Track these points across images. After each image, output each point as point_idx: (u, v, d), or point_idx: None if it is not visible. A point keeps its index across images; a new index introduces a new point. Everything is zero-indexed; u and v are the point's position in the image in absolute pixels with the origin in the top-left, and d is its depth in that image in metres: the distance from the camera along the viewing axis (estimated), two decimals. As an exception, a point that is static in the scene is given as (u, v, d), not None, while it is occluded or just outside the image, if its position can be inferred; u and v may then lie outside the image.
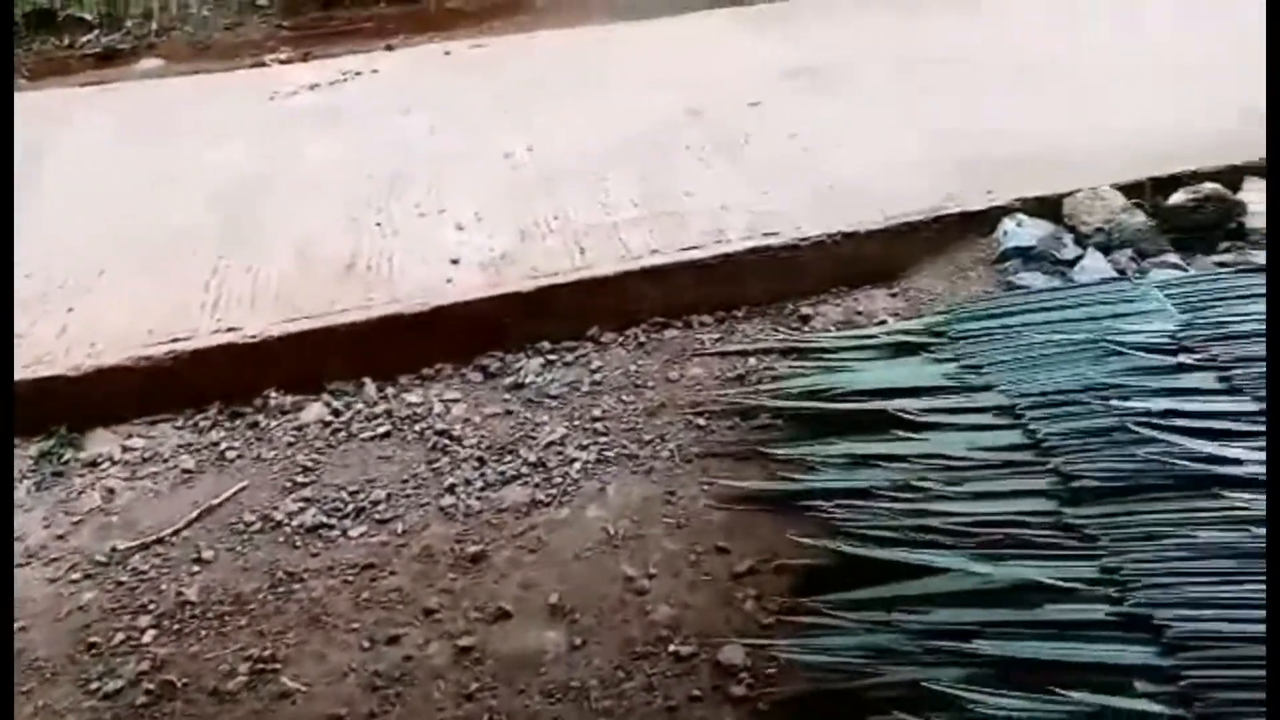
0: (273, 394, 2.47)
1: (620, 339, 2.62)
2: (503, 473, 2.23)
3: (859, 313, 2.66)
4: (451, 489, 2.19)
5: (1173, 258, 2.63)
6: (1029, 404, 2.10)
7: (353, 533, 2.11)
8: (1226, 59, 3.51)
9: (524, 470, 2.23)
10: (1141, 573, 1.69)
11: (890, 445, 2.11)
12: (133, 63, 4.67)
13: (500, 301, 2.57)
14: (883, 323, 2.59)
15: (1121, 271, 2.59)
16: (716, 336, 2.63)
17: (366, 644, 1.87)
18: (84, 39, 4.87)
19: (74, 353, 2.42)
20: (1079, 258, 2.65)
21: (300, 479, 2.25)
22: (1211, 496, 1.77)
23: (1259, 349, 2.09)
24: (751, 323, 2.67)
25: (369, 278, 2.66)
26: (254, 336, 2.47)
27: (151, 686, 1.81)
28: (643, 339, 2.62)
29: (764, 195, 2.90)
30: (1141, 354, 2.16)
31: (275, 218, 2.97)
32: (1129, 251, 2.63)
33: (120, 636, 1.91)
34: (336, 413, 2.43)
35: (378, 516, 2.14)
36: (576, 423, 2.36)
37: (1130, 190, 2.78)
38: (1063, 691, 1.53)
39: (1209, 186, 2.73)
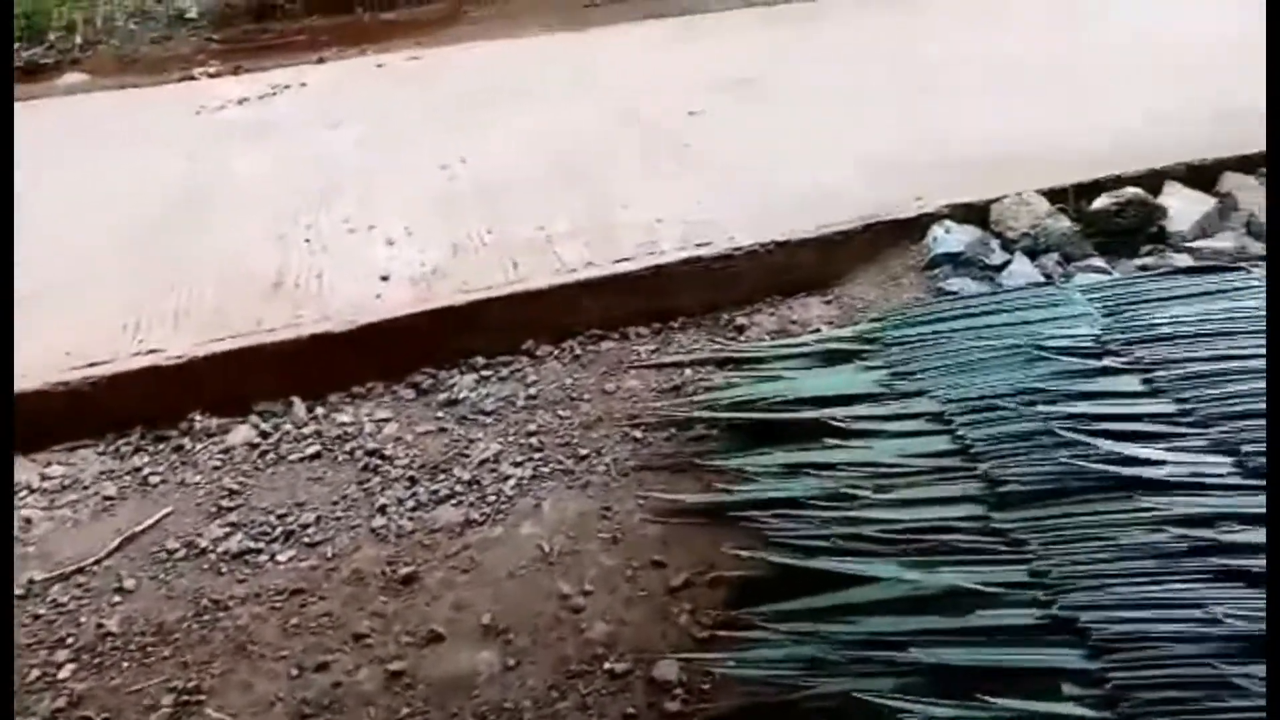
0: (198, 416, 2.41)
1: (556, 352, 2.60)
2: (435, 492, 2.19)
3: (793, 321, 2.67)
4: (383, 510, 2.16)
5: (1097, 261, 2.67)
6: (958, 409, 2.12)
7: (281, 557, 2.06)
8: (1144, 63, 3.60)
9: (457, 489, 2.20)
10: (1068, 576, 1.71)
11: (823, 454, 2.11)
12: (55, 77, 4.57)
13: (431, 317, 2.54)
14: (816, 331, 2.60)
15: (1048, 276, 2.63)
16: (653, 348, 2.62)
17: (294, 672, 1.83)
18: (4, 53, 4.74)
19: (-12, 379, 2.35)
20: (1007, 262, 2.68)
21: (226, 503, 2.19)
22: (1134, 498, 1.80)
23: (1180, 351, 2.13)
24: (687, 333, 2.66)
25: (297, 295, 2.61)
26: (178, 357, 2.41)
27: (68, 723, 1.75)
28: (579, 352, 2.61)
29: (699, 205, 2.90)
30: (1067, 358, 2.19)
31: (201, 235, 2.91)
32: (1055, 256, 2.68)
33: (36, 673, 1.84)
34: (264, 434, 2.38)
35: (307, 540, 2.10)
36: (511, 439, 2.33)
37: (1055, 196, 2.83)
38: (990, 698, 1.54)
39: (1130, 191, 2.78)
